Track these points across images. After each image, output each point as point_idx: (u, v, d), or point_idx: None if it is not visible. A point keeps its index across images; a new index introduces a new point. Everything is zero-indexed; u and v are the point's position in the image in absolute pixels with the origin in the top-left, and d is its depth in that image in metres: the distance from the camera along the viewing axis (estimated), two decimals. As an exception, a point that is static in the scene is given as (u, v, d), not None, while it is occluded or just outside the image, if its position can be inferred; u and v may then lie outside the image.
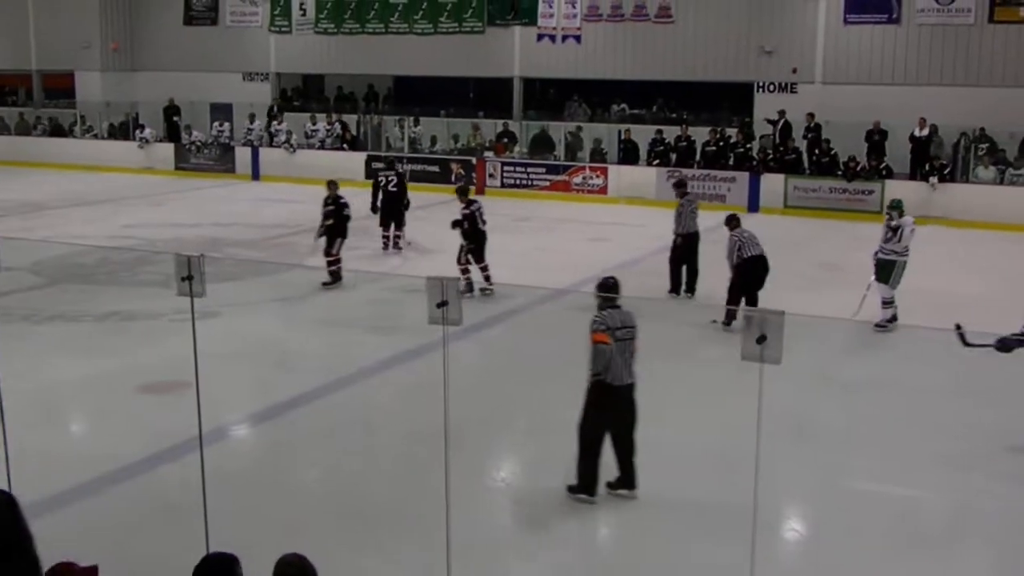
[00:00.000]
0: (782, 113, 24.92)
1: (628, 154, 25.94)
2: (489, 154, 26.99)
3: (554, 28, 28.53)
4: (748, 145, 24.54)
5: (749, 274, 12.77)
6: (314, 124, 29.50)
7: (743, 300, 12.69)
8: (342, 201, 15.61)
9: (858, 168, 22.91)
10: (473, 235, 14.85)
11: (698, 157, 24.90)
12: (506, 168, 25.99)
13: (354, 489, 8.38)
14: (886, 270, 13.17)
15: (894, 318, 13.04)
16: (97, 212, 22.86)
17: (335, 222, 15.44)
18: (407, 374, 11.19)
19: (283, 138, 29.25)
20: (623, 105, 29.59)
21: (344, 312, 14.22)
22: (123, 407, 10.05)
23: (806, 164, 24.00)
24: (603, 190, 25.31)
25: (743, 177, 23.86)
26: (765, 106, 26.27)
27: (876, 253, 13.32)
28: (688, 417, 9.85)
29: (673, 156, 25.15)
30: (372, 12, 30.75)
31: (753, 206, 23.35)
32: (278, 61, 32.80)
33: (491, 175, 26.24)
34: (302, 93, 34.01)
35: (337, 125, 29.35)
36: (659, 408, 10.20)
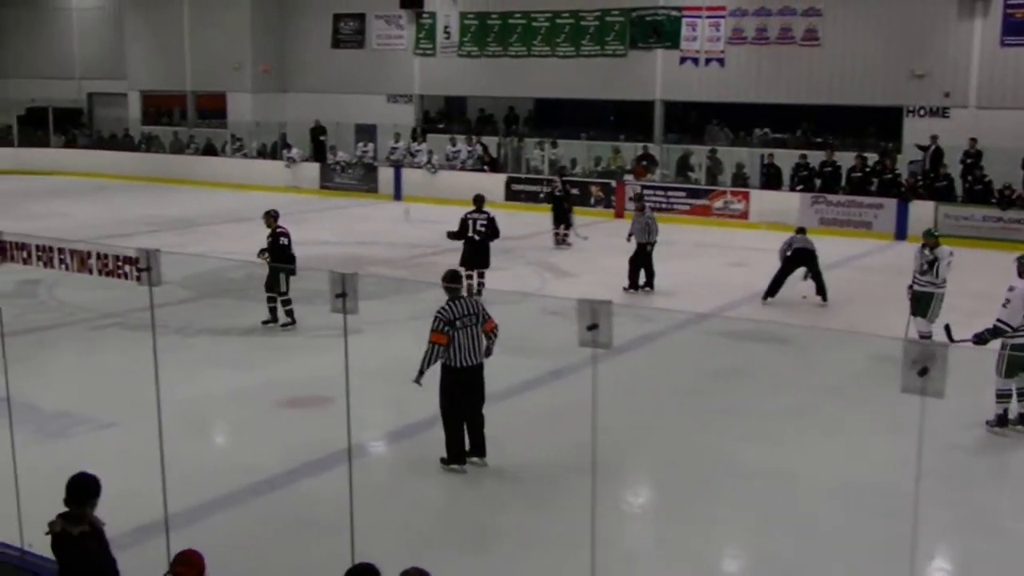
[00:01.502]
0: (934, 138, 24.20)
1: (771, 179, 25.53)
2: (629, 177, 26.90)
3: (697, 51, 28.33)
4: (897, 171, 23.91)
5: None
6: (455, 145, 29.87)
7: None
8: (279, 230, 14.29)
9: (1014, 196, 22.10)
10: (466, 242, 15.82)
11: (843, 183, 24.36)
12: (646, 191, 25.85)
13: (490, 509, 8.40)
14: (923, 303, 12.64)
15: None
16: (245, 229, 23.49)
17: (273, 257, 14.03)
18: (544, 396, 11.19)
19: (425, 159, 29.69)
20: (766, 129, 29.15)
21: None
22: (267, 420, 10.28)
23: (959, 191, 23.25)
24: (744, 215, 24.97)
25: (890, 204, 23.24)
26: (915, 131, 25.55)
27: (911, 285, 12.86)
28: (837, 450, 9.60)
29: (817, 181, 24.67)
30: (515, 36, 31.03)
31: (900, 233, 22.72)
32: (422, 83, 33.32)
33: (630, 198, 26.12)
34: (444, 115, 34.49)
35: (478, 147, 29.67)
36: (807, 438, 9.99)
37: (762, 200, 24.68)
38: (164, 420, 6.14)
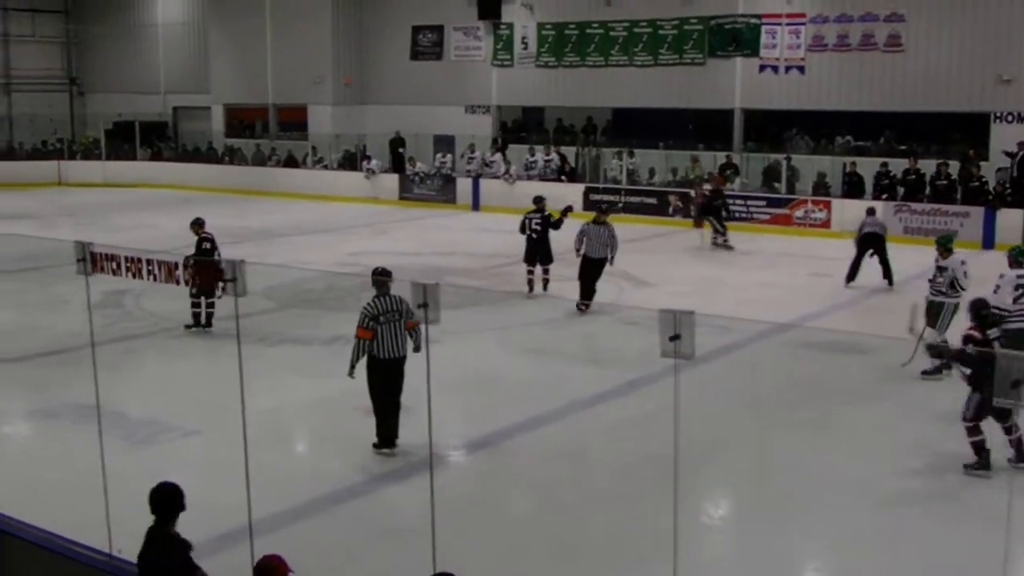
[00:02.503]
0: (1022, 145, 23.66)
1: (853, 187, 25.17)
2: (708, 186, 26.69)
3: (777, 59, 28.05)
4: (983, 178, 23.42)
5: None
6: (533, 156, 29.92)
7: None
8: (204, 235, 14.73)
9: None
10: (527, 240, 17.18)
11: (927, 191, 23.93)
12: (728, 200, 25.60)
13: (569, 520, 8.38)
14: (932, 313, 12.16)
15: (947, 365, 11.60)
16: (325, 240, 23.83)
17: (199, 267, 13.75)
18: (624, 406, 11.15)
19: (503, 169, 29.79)
20: (848, 137, 28.74)
21: (561, 343, 14.32)
22: (348, 428, 10.38)
23: (1049, 198, 22.73)
24: (826, 224, 24.64)
25: (977, 212, 22.77)
26: (1002, 137, 24.98)
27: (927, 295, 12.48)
28: (921, 463, 9.43)
29: (901, 190, 24.25)
30: (593, 45, 31.01)
31: (988, 242, 22.24)
32: (499, 94, 33.44)
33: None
34: (522, 125, 34.57)
35: (556, 156, 29.68)
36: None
37: (844, 209, 24.33)
38: (247, 428, 6.23)
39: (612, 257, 15.96)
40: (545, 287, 17.25)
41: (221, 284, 13.60)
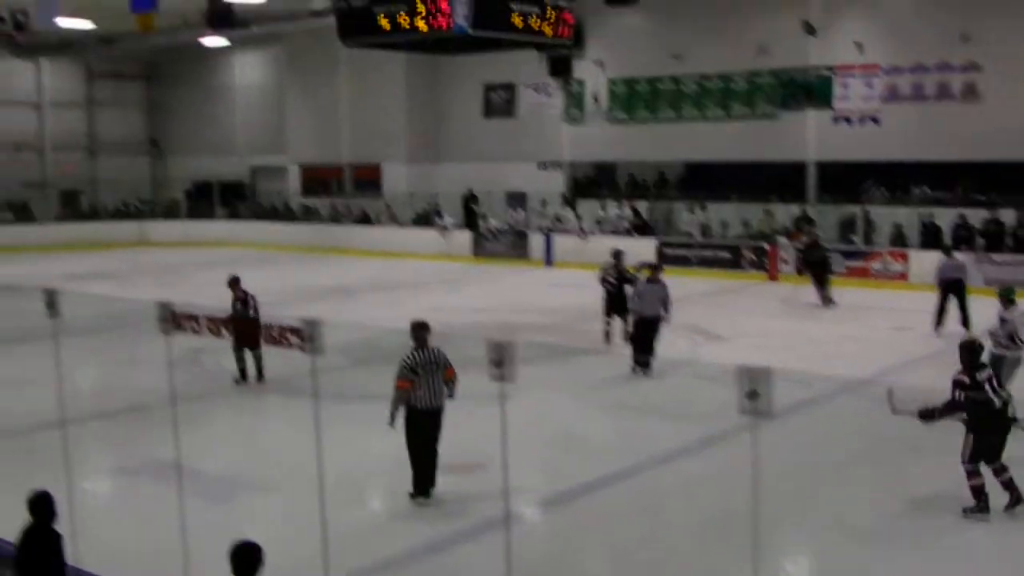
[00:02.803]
0: (1105, 193, 23.19)
1: (930, 239, 24.80)
2: (782, 239, 26.48)
3: (851, 110, 27.87)
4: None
5: None
6: (605, 210, 29.95)
7: None
8: (239, 293, 15.10)
9: None
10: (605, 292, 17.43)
11: (1008, 241, 23.47)
12: (799, 252, 25.34)
13: (647, 579, 8.26)
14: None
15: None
16: (399, 296, 24.01)
17: (236, 324, 14.70)
18: (699, 462, 11.02)
19: (575, 224, 29.85)
20: (924, 187, 28.35)
21: (637, 398, 14.21)
22: (423, 486, 10.37)
23: None
24: (904, 276, 24.29)
25: (1061, 263, 22.31)
26: (1085, 186, 24.50)
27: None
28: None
29: (980, 241, 23.84)
30: (664, 100, 31.10)
31: (1073, 293, 21.71)
32: (571, 150, 33.60)
33: (784, 260, 25.73)
34: (594, 180, 34.63)
35: (628, 211, 29.69)
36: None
37: (922, 260, 23.94)
38: (324, 485, 6.26)
39: (668, 314, 15.64)
40: (625, 338, 17.22)
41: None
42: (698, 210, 28.85)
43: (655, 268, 16.27)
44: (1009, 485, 9.10)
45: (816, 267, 22.10)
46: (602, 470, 10.77)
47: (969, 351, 9.21)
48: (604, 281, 17.52)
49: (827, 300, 21.55)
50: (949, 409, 9.21)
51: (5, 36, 33.73)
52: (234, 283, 15.33)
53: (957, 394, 9.09)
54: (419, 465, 9.82)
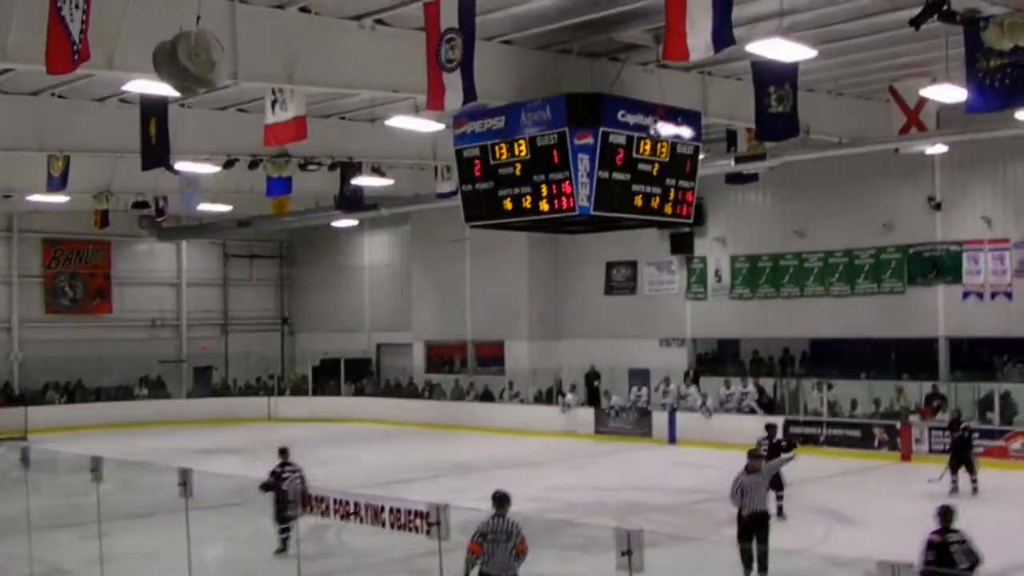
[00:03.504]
0: None
1: (1074, 417, 23.81)
2: (914, 418, 25.69)
3: (981, 285, 27.30)
4: None
5: None
6: (729, 388, 29.57)
7: None
8: (287, 469, 15.70)
9: None
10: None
11: None
12: (934, 433, 24.57)
13: None
14: None
15: None
16: (522, 475, 23.84)
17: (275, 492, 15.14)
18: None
19: (699, 402, 29.51)
20: (1064, 364, 27.41)
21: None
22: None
23: None
24: (1046, 457, 23.28)
25: None
26: None
27: None
28: None
29: None
30: (787, 277, 30.96)
31: None
32: (694, 326, 33.51)
33: (917, 440, 24.91)
34: (717, 357, 34.38)
35: (753, 388, 29.26)
36: None
37: (1066, 441, 22.99)
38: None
39: (780, 506, 15.07)
40: (780, 512, 17.00)
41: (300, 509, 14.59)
42: (825, 388, 28.28)
43: (757, 458, 14.59)
44: None
45: (958, 447, 21.14)
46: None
47: (943, 514, 9.84)
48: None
49: (973, 484, 20.38)
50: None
51: (149, 220, 35.69)
52: (283, 455, 15.97)
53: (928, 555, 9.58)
54: None
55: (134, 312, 41.04)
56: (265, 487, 15.36)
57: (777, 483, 16.66)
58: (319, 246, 43.88)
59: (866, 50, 18.38)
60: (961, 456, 20.59)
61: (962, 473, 20.30)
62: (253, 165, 22.83)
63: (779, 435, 17.53)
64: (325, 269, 44.21)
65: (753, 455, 14.43)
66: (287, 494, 15.08)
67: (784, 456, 16.56)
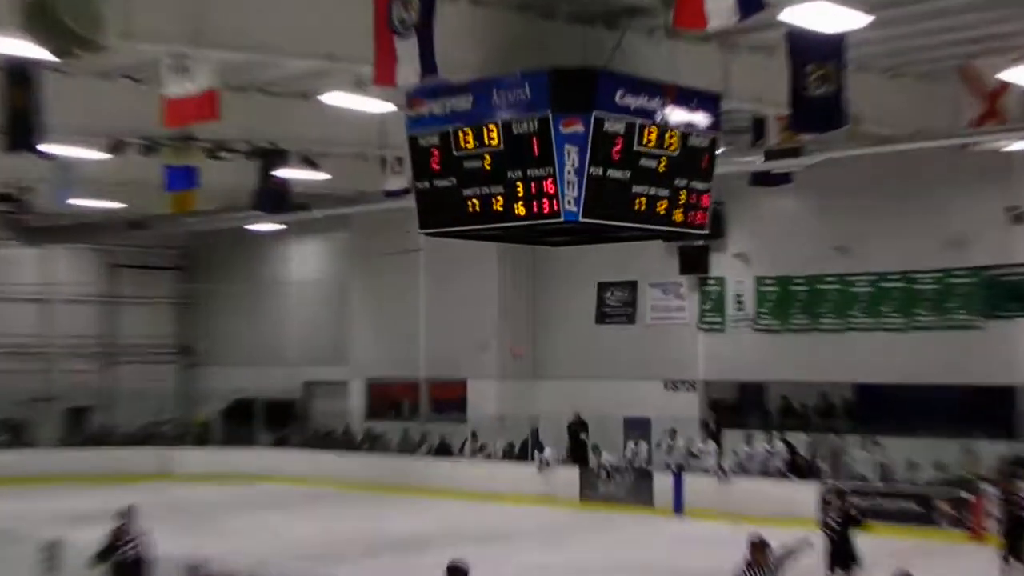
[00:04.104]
0: None
1: None
2: (989, 488, 25.79)
3: (1076, 320, 27.58)
4: None
5: None
6: (752, 444, 29.60)
7: None
8: (126, 538, 15.44)
9: None
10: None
11: None
12: (1009, 500, 24.61)
13: None
14: None
15: None
16: (487, 552, 23.66)
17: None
18: None
19: (713, 461, 29.51)
20: None
21: None
22: None
23: None
24: None
25: None
26: None
27: None
28: None
29: None
30: (827, 304, 31.00)
31: None
32: (708, 366, 33.52)
33: (992, 516, 24.98)
34: (737, 405, 34.38)
35: (782, 446, 29.29)
36: None
37: None
38: None
39: None
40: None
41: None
42: (874, 446, 28.35)
43: (762, 547, 13.85)
44: None
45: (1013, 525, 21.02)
46: None
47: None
48: (826, 525, 17.58)
49: None
50: None
51: (10, 218, 35.02)
52: (122, 519, 15.83)
53: None
54: None
55: (-14, 336, 40.68)
56: (100, 557, 15.18)
57: (848, 556, 17.19)
58: (232, 256, 43.67)
59: (933, 18, 18.27)
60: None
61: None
62: (148, 150, 22.68)
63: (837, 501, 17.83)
64: (239, 285, 43.93)
65: (755, 545, 13.84)
66: (125, 570, 15.00)
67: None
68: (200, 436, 40.49)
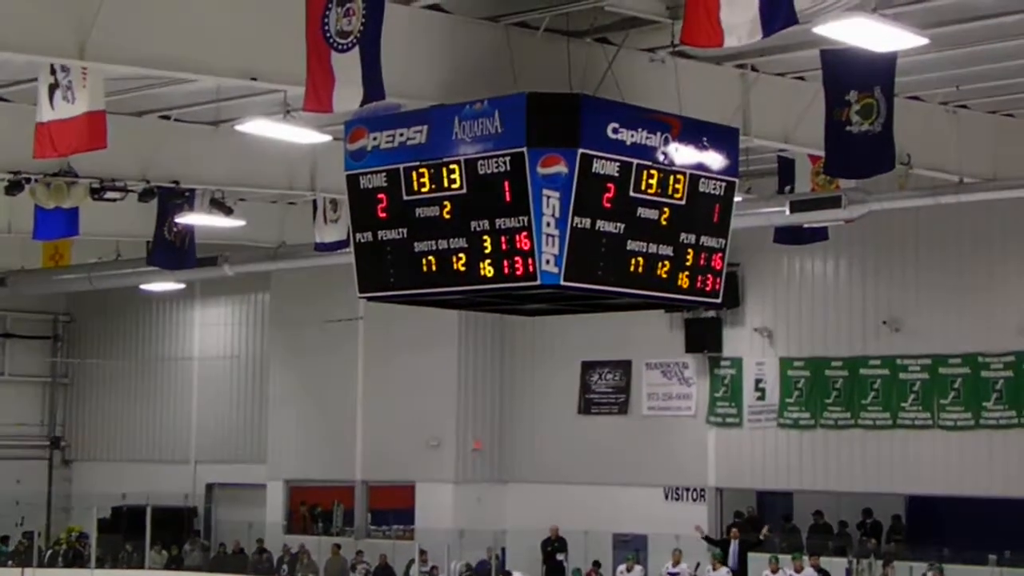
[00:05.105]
0: None
1: None
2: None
3: None
4: None
5: None
6: (775, 570, 29.60)
7: None
8: None
9: None
10: None
11: None
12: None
13: None
14: None
15: None
16: None
17: None
18: None
19: (728, 596, 29.57)
20: None
21: None
22: None
23: None
24: None
25: None
26: None
27: None
28: None
29: None
30: (871, 394, 31.00)
31: None
32: (720, 469, 33.53)
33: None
34: (757, 519, 34.37)
35: (813, 572, 29.30)
36: None
37: None
38: None
39: None
40: None
41: None
42: (931, 573, 28.41)
43: None
44: None
45: None
46: None
47: None
48: None
49: None
50: None
51: None
52: None
53: None
54: None
55: None
56: None
57: None
58: (119, 323, 43.63)
59: (1005, 38, 18.42)
60: None
61: None
62: (13, 188, 22.52)
63: None
64: (127, 360, 43.85)
65: None
66: None
67: None
68: (73, 552, 40.14)
